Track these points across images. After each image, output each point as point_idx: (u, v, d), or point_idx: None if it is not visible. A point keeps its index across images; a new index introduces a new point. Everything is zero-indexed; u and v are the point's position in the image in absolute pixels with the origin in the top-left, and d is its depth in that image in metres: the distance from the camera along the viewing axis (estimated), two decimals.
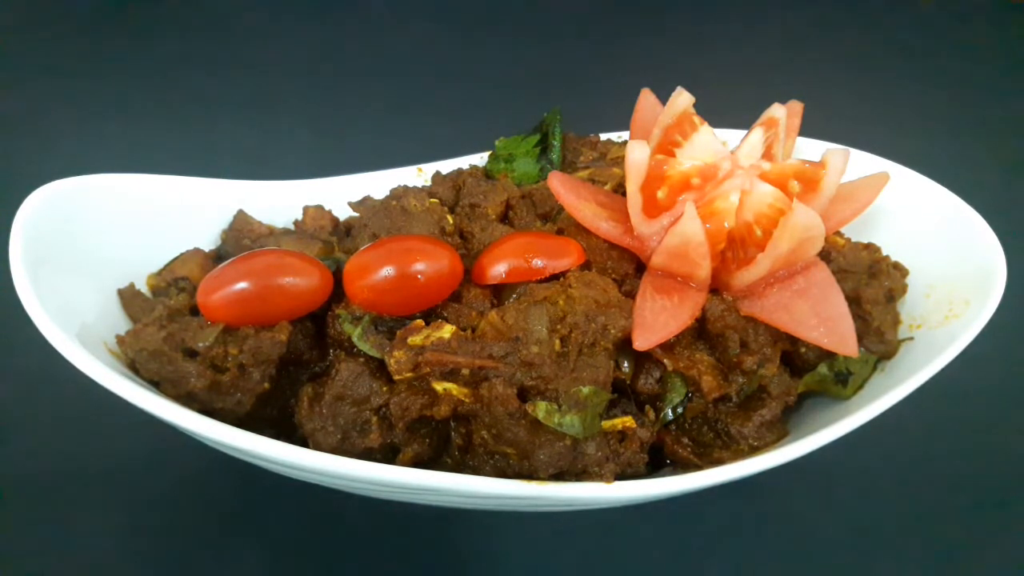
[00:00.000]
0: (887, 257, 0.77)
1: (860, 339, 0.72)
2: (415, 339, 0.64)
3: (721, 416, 0.71)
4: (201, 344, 0.65)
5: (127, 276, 0.76)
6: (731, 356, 0.69)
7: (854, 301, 0.72)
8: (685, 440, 0.71)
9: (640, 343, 0.65)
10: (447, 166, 0.98)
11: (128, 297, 0.74)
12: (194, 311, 0.70)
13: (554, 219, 0.82)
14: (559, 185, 0.77)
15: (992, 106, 1.50)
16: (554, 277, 0.71)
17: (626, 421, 0.65)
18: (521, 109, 1.07)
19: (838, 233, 0.81)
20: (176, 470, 0.86)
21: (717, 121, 0.84)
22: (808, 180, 0.74)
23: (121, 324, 0.72)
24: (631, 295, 0.70)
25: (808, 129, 0.90)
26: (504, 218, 0.85)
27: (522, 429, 0.63)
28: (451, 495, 0.64)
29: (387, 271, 0.66)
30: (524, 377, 0.63)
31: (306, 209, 0.90)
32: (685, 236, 0.67)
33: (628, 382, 0.69)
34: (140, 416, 0.63)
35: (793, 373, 0.74)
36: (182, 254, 0.81)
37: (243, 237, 0.86)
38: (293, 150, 1.38)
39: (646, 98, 0.92)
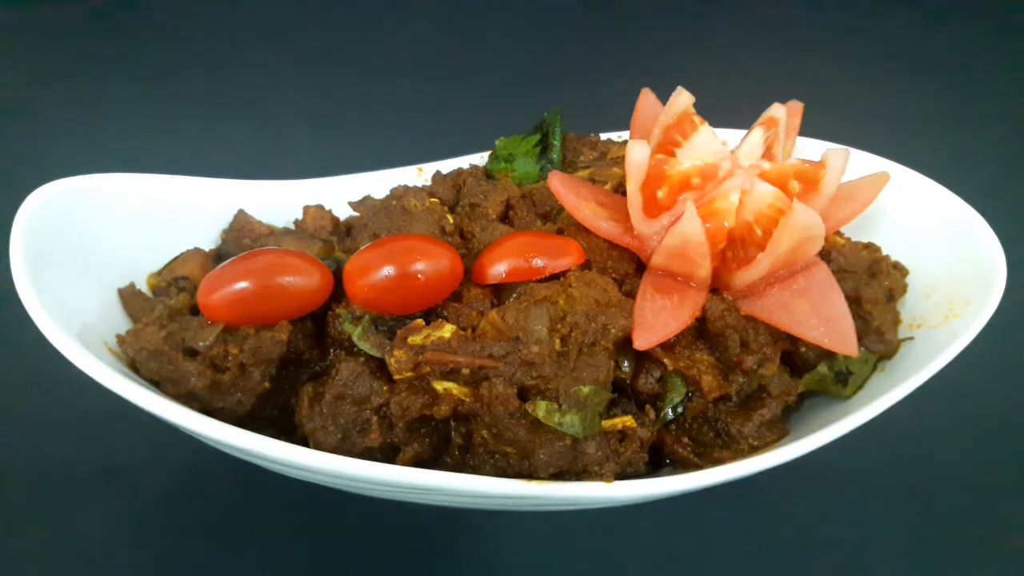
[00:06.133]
0: (887, 257, 0.77)
1: (860, 339, 0.72)
2: (415, 339, 0.64)
3: (721, 416, 0.71)
4: (201, 344, 0.65)
5: (127, 276, 0.76)
6: (731, 356, 0.69)
7: (854, 301, 0.72)
8: (685, 440, 0.71)
9: (640, 343, 0.65)
10: (447, 166, 0.98)
11: (128, 297, 0.74)
12: (194, 311, 0.70)
13: (554, 219, 0.82)
14: (559, 185, 0.77)
15: (992, 106, 1.50)
16: (554, 277, 0.71)
17: (626, 421, 0.65)
18: (521, 109, 1.07)
19: (838, 233, 0.81)
20: (176, 470, 0.86)
21: (717, 121, 0.84)
22: (808, 180, 0.74)
23: (121, 324, 0.72)
24: (631, 295, 0.70)
25: (808, 129, 0.90)
26: (504, 218, 0.85)
27: (522, 429, 0.63)
28: (451, 495, 0.64)
29: (387, 271, 0.66)
30: (524, 376, 0.63)
31: (306, 209, 0.90)
32: (685, 236, 0.67)
33: (628, 382, 0.69)
34: (140, 416, 0.63)
35: (793, 373, 0.74)
36: (182, 254, 0.81)
37: (243, 237, 0.86)
38: (293, 150, 1.38)
39: (646, 98, 0.92)
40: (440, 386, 0.64)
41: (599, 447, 0.63)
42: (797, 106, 0.88)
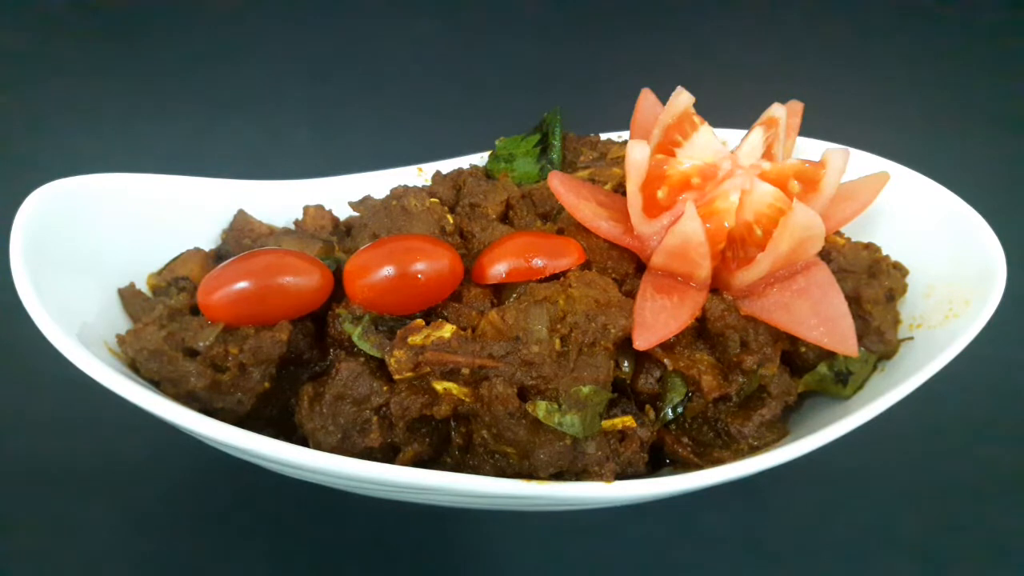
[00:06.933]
0: (887, 257, 0.77)
1: (860, 339, 0.72)
2: (415, 338, 0.64)
3: (721, 415, 0.71)
4: (201, 343, 0.65)
5: (127, 276, 0.76)
6: (731, 356, 0.69)
7: (854, 301, 0.72)
8: (685, 439, 0.71)
9: (640, 343, 0.65)
10: (447, 166, 0.98)
11: (128, 296, 0.74)
12: (194, 311, 0.70)
13: (554, 219, 0.82)
14: (559, 185, 0.77)
15: (992, 106, 1.50)
16: (554, 277, 0.71)
17: (626, 421, 0.65)
18: (521, 109, 1.07)
19: (838, 233, 0.81)
20: (176, 470, 0.86)
21: (717, 121, 0.84)
22: (808, 180, 0.74)
23: (121, 323, 0.72)
24: (631, 295, 0.70)
25: (808, 129, 0.90)
26: (504, 218, 0.85)
27: (522, 429, 0.63)
28: (451, 495, 0.64)
29: (387, 271, 0.66)
30: (524, 376, 0.63)
31: (306, 209, 0.90)
32: (685, 236, 0.67)
33: (628, 382, 0.69)
34: (140, 416, 0.63)
35: (793, 373, 0.74)
36: (182, 254, 0.81)
37: (243, 237, 0.86)
38: (293, 150, 1.38)
39: (646, 98, 0.92)
40: (440, 386, 0.64)
41: (599, 447, 0.63)
42: (797, 106, 0.88)
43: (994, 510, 0.85)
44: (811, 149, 0.92)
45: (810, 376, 0.73)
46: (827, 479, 0.86)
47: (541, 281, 0.70)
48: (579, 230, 0.77)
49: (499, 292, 0.73)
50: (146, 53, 1.62)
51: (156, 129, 1.40)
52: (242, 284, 0.66)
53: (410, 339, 0.64)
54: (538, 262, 0.70)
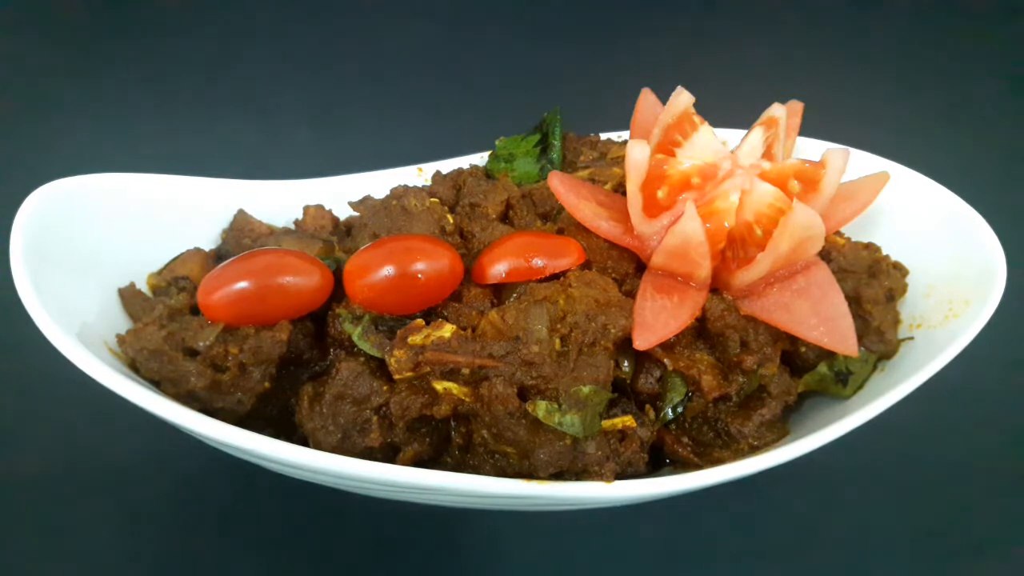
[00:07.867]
0: (887, 257, 0.77)
1: (860, 338, 0.72)
2: (415, 338, 0.64)
3: (721, 415, 0.71)
4: (202, 343, 0.65)
5: (127, 275, 0.76)
6: (731, 355, 0.69)
7: (854, 300, 0.72)
8: (685, 439, 0.71)
9: (640, 342, 0.65)
10: (447, 166, 0.98)
11: (128, 296, 0.74)
12: (195, 310, 0.70)
13: (554, 219, 0.82)
14: (559, 185, 0.77)
15: (992, 106, 1.50)
16: (554, 276, 0.71)
17: (626, 420, 0.65)
18: (521, 109, 1.07)
19: (838, 233, 0.81)
20: (176, 470, 0.86)
21: (717, 121, 0.84)
22: (808, 180, 0.74)
23: (121, 323, 0.72)
24: (631, 295, 0.70)
25: (808, 129, 0.90)
26: (504, 218, 0.85)
27: (522, 428, 0.63)
28: (451, 495, 0.64)
29: (387, 270, 0.66)
30: (524, 376, 0.63)
31: (306, 209, 0.90)
32: (685, 236, 0.67)
33: (628, 381, 0.69)
34: (140, 416, 0.63)
35: (793, 372, 0.74)
36: (182, 253, 0.81)
37: (243, 237, 0.86)
38: (293, 150, 1.38)
39: (646, 98, 0.92)
40: (440, 386, 0.64)
41: (599, 447, 0.63)
42: (797, 106, 0.88)
43: (993, 510, 0.85)
44: (811, 149, 0.92)
45: (810, 376, 0.73)
46: (827, 479, 0.86)
47: (541, 281, 0.70)
48: (579, 230, 0.77)
49: (499, 292, 0.73)
50: (146, 53, 1.62)
51: (156, 129, 1.40)
52: (242, 284, 0.66)
53: (410, 339, 0.64)
54: (538, 262, 0.70)
